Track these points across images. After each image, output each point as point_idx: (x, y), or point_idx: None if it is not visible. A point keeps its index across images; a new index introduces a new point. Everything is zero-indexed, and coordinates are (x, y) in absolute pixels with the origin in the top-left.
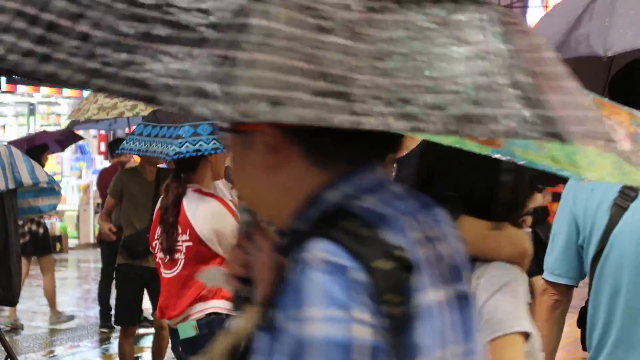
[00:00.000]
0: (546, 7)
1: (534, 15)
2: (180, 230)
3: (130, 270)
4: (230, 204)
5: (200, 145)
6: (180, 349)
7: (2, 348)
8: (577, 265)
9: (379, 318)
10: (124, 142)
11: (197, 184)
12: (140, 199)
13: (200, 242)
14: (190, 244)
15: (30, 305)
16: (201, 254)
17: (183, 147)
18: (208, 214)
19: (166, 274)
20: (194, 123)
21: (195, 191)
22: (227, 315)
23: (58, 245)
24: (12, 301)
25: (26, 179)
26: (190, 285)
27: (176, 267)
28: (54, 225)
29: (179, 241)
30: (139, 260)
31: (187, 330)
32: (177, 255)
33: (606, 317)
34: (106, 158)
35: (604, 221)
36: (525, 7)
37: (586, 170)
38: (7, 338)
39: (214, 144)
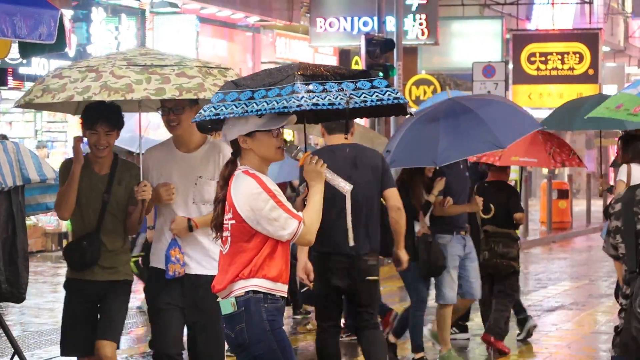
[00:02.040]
0: (553, 4)
1: (540, 11)
2: (227, 209)
3: (79, 286)
4: (269, 183)
5: (221, 109)
6: (223, 324)
7: (10, 345)
8: None
9: None
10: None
11: (247, 166)
12: (87, 197)
13: (241, 220)
14: (234, 222)
15: (37, 302)
16: (244, 232)
17: (207, 111)
18: (245, 192)
19: (222, 249)
20: (225, 90)
21: (243, 172)
22: (265, 294)
23: (65, 242)
24: (19, 297)
25: (33, 176)
26: (234, 262)
27: (227, 245)
28: (60, 222)
29: (226, 220)
30: (85, 273)
31: (226, 306)
32: (225, 234)
33: None
34: None
35: None
36: (531, 3)
37: None
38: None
39: (232, 109)
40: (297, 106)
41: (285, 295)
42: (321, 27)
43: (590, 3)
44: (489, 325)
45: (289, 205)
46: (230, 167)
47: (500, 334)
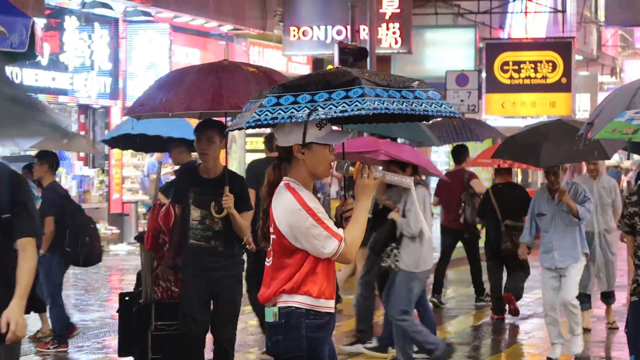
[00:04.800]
0: (526, 13)
1: (513, 20)
2: (270, 222)
3: None
4: (309, 199)
5: (279, 113)
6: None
7: None
8: None
9: None
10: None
11: (291, 178)
12: None
13: (281, 235)
14: (274, 236)
15: None
16: (284, 246)
17: (262, 115)
18: (284, 209)
19: (267, 262)
20: (277, 94)
21: (285, 185)
22: (307, 311)
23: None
24: None
25: None
26: (276, 277)
27: (270, 257)
28: None
29: (270, 232)
30: None
31: (269, 314)
32: (270, 246)
33: None
34: (85, 164)
35: None
36: (504, 12)
37: None
38: None
39: (292, 112)
40: (373, 109)
41: (331, 310)
42: (294, 35)
43: (564, 12)
44: (510, 288)
45: (329, 222)
46: (277, 173)
47: (517, 296)
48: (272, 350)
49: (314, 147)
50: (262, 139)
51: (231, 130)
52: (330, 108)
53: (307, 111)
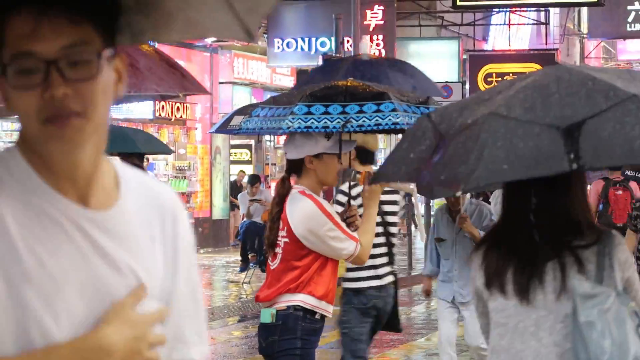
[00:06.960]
0: (509, 25)
1: (496, 32)
2: (281, 227)
3: None
4: (326, 205)
5: (312, 122)
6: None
7: None
8: None
9: None
10: (242, 122)
11: (304, 186)
12: None
13: (295, 240)
14: (287, 240)
15: None
16: (296, 250)
17: (295, 123)
18: (303, 214)
19: (271, 264)
20: (308, 103)
21: (300, 192)
22: (306, 312)
23: None
24: None
25: None
26: (283, 278)
27: (276, 260)
28: None
29: (279, 237)
30: None
31: (265, 315)
32: (277, 250)
33: None
34: None
35: None
36: (487, 24)
37: None
38: None
39: (325, 122)
40: (406, 124)
41: (329, 314)
42: (279, 47)
43: (547, 24)
44: None
45: (344, 226)
46: (286, 185)
47: None
48: (266, 350)
49: (324, 157)
50: (246, 150)
51: (263, 134)
52: (364, 120)
53: (342, 122)
